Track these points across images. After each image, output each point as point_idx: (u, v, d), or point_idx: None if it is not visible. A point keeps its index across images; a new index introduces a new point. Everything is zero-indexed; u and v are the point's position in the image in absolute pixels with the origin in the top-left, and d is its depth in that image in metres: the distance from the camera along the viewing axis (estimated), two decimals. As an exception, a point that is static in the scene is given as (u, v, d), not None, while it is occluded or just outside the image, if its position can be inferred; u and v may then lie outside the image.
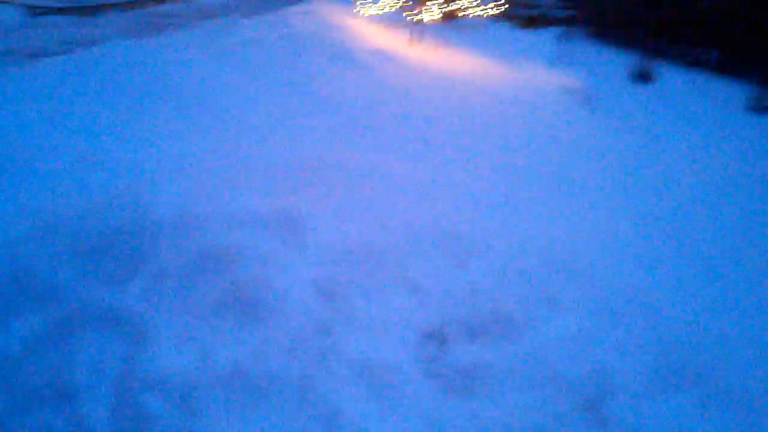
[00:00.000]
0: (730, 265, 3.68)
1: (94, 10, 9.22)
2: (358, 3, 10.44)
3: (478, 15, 10.79)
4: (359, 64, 7.44)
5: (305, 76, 6.50)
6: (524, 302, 2.84)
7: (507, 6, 10.99)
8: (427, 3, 9.99)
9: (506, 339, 2.66)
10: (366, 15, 10.42)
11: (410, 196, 3.58)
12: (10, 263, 2.43)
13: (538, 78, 8.51)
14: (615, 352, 2.66)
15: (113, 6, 9.69)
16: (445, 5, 10.39)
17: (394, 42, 9.48)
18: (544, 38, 11.13)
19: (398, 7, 10.38)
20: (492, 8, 10.89)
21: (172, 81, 5.22)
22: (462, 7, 10.73)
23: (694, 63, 10.43)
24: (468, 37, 10.48)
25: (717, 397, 2.48)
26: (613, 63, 10.31)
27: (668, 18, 11.00)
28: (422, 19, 9.89)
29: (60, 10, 8.94)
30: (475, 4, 10.72)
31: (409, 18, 9.89)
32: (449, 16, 10.94)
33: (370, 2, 10.42)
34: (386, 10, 10.42)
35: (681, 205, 4.68)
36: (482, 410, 2.36)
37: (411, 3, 10.19)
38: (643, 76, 9.80)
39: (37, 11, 8.38)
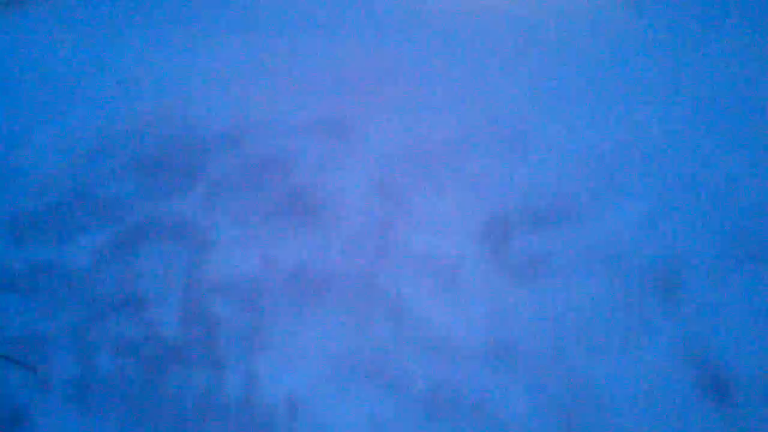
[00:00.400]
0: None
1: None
2: None
3: None
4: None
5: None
6: (587, 190, 2.75)
7: None
8: None
9: (571, 226, 2.59)
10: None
11: (460, 97, 3.45)
12: (71, 181, 2.49)
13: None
14: (685, 233, 2.56)
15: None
16: None
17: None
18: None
19: None
20: None
21: None
22: None
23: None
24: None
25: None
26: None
27: None
28: None
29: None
30: None
31: None
32: None
33: None
34: None
35: (741, 96, 4.35)
36: (550, 295, 2.34)
37: None
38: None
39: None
